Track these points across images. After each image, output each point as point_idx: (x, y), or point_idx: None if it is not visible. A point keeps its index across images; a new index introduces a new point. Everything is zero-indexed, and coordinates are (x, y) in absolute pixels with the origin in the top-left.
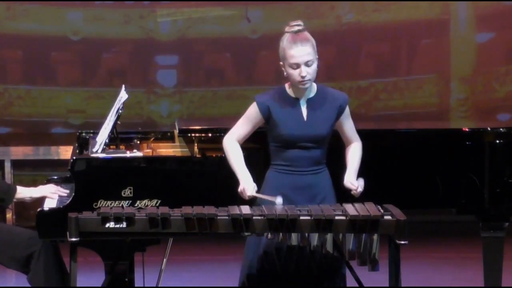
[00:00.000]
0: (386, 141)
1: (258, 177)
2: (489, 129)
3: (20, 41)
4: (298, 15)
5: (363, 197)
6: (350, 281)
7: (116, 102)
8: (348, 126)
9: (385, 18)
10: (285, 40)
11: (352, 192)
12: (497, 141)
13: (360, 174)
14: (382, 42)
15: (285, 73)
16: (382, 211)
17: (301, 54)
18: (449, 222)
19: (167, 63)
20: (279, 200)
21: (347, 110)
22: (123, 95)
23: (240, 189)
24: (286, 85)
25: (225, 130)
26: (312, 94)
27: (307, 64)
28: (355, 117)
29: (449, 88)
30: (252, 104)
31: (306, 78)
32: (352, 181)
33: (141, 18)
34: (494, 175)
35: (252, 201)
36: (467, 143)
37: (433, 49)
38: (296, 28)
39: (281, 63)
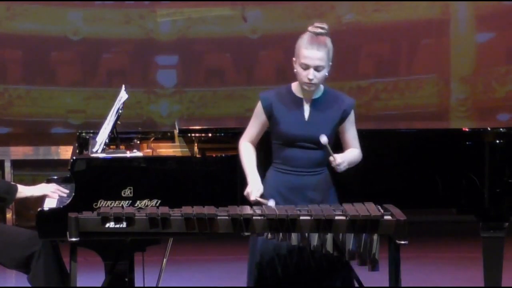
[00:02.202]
0: (386, 141)
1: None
2: (489, 129)
3: (20, 41)
4: (298, 15)
5: (363, 197)
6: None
7: (116, 102)
8: (351, 134)
9: (385, 18)
10: (304, 39)
11: (332, 164)
12: (497, 141)
13: (360, 173)
14: (382, 42)
15: (294, 69)
16: (382, 211)
17: (313, 58)
18: (449, 222)
19: (167, 63)
20: (271, 203)
21: (351, 116)
22: (123, 95)
23: (246, 191)
24: (293, 84)
25: (225, 130)
26: (318, 95)
27: (317, 68)
28: (355, 117)
29: (449, 88)
30: (258, 102)
31: (312, 81)
32: (342, 158)
33: (141, 18)
34: (494, 175)
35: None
36: (467, 143)
37: (433, 49)
38: (319, 30)
39: (294, 58)
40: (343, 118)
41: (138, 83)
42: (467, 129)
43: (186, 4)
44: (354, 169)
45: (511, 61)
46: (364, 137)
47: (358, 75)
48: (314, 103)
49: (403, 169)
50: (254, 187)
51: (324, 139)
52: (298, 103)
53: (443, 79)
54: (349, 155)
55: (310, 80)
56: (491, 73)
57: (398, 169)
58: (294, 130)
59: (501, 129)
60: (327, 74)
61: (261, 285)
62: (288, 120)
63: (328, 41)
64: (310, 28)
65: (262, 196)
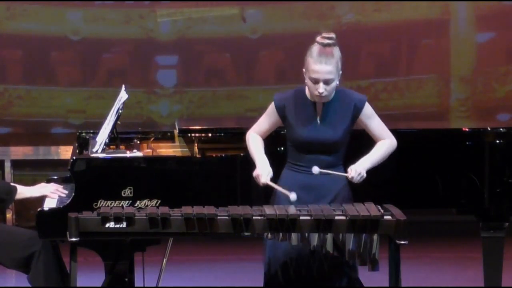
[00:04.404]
0: None
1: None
2: (489, 129)
3: (20, 41)
4: (298, 15)
5: (363, 197)
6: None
7: (116, 102)
8: (374, 126)
9: (385, 18)
10: (313, 51)
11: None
12: (497, 141)
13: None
14: (382, 42)
15: (305, 81)
16: (382, 211)
17: (322, 72)
18: (449, 222)
19: (167, 63)
20: (293, 196)
21: (366, 110)
22: (123, 95)
23: (255, 173)
24: (307, 87)
25: (225, 130)
26: (330, 98)
27: (326, 82)
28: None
29: (449, 88)
30: (272, 102)
31: (323, 95)
32: (357, 168)
33: (141, 18)
34: (494, 175)
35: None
36: (467, 143)
37: (433, 49)
38: (326, 41)
39: (303, 69)
40: (355, 115)
41: (138, 83)
42: (467, 129)
43: (186, 4)
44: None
45: (511, 61)
46: (364, 137)
47: (358, 75)
48: (326, 106)
49: (403, 169)
50: (264, 170)
51: (315, 170)
52: (310, 106)
53: (443, 79)
54: (371, 158)
55: (321, 93)
56: (491, 73)
57: (398, 169)
58: (307, 134)
59: (501, 129)
60: (337, 83)
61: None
62: (301, 124)
63: (335, 51)
64: (318, 39)
65: (282, 187)
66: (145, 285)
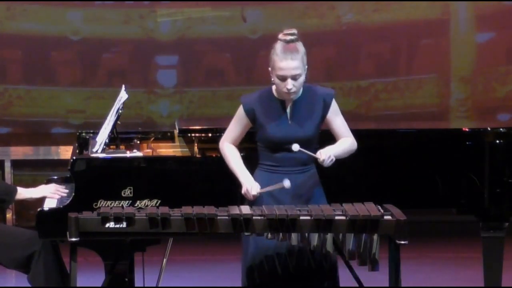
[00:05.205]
0: (386, 141)
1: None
2: (489, 129)
3: (20, 41)
4: (298, 15)
5: (363, 197)
6: (350, 281)
7: (116, 102)
8: (338, 123)
9: (385, 18)
10: (277, 49)
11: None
12: (497, 141)
13: (360, 173)
14: (382, 42)
15: (272, 79)
16: (382, 211)
17: (289, 68)
18: (449, 222)
19: (167, 63)
20: (286, 183)
21: (333, 106)
22: (123, 95)
23: (243, 190)
24: (273, 87)
25: (225, 130)
26: (298, 96)
27: (294, 77)
28: (355, 117)
29: (449, 88)
30: (240, 105)
31: (291, 91)
32: (327, 152)
33: (141, 18)
34: (494, 175)
35: (255, 201)
36: (467, 143)
37: (433, 49)
38: (289, 37)
39: (269, 69)
40: (325, 110)
41: (138, 83)
42: (467, 129)
43: (186, 4)
44: (354, 169)
45: (511, 61)
46: (364, 137)
47: (358, 75)
48: (295, 104)
49: (403, 169)
50: (252, 185)
51: (295, 147)
52: (279, 105)
53: (443, 79)
54: (337, 147)
55: (289, 89)
56: (491, 73)
57: (398, 169)
58: (278, 133)
59: (501, 129)
60: (304, 77)
61: (253, 286)
62: (272, 124)
63: (299, 46)
64: (280, 36)
65: (273, 185)
66: (145, 285)
